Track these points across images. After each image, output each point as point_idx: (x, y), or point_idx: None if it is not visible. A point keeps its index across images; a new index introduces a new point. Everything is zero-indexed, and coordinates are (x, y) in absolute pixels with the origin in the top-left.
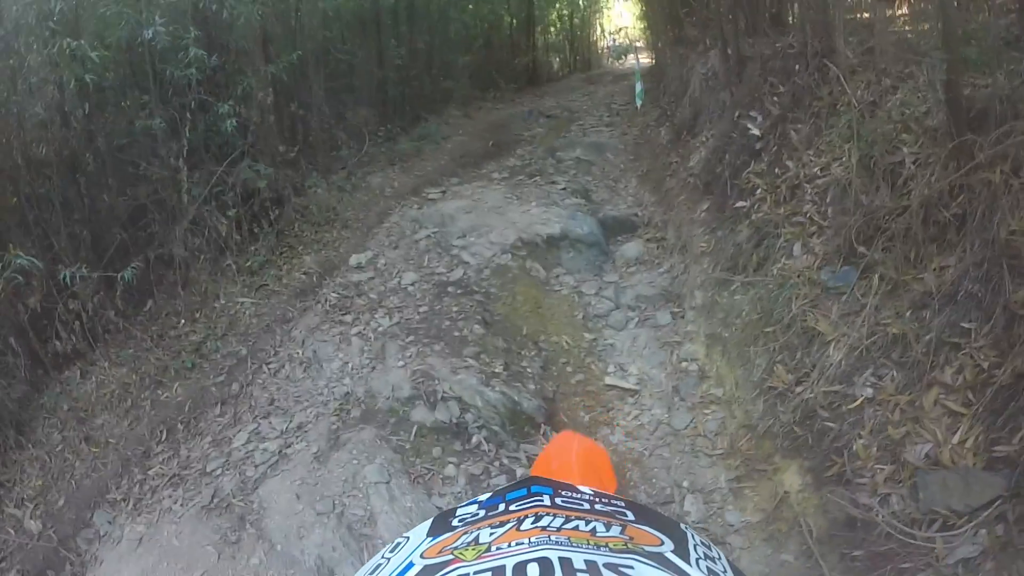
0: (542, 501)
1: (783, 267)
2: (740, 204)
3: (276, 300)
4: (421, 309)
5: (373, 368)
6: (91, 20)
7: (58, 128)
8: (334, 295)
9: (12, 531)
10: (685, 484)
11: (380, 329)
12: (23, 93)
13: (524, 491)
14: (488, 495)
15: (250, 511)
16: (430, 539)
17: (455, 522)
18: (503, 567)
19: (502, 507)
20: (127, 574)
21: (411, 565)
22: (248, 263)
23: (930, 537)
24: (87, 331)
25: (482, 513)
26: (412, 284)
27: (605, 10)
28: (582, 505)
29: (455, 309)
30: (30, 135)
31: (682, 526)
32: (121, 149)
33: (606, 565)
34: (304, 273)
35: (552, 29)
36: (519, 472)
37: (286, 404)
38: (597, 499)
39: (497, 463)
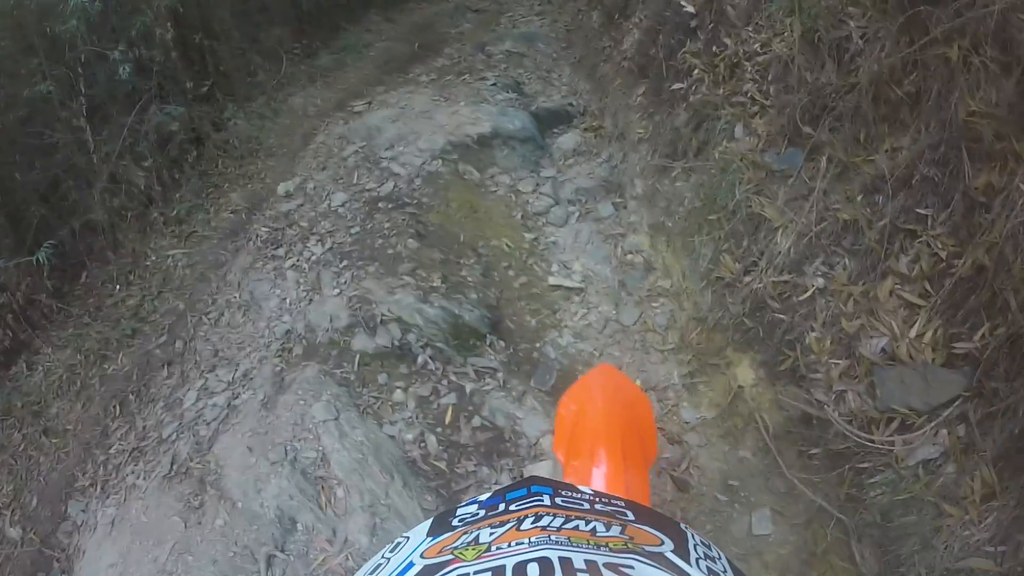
0: (542, 501)
1: (725, 150)
2: (677, 86)
3: (207, 246)
4: (353, 230)
5: (310, 300)
6: None
7: None
8: (264, 229)
9: None
10: (638, 382)
11: (313, 258)
12: None
13: (524, 491)
14: (488, 495)
15: (208, 472)
16: (430, 539)
17: (455, 522)
18: (503, 567)
19: (502, 507)
20: (106, 560)
21: (411, 565)
22: (175, 212)
23: (889, 439)
24: (23, 320)
25: (482, 513)
26: (343, 205)
27: None
28: (582, 505)
29: (387, 225)
30: None
31: (682, 526)
32: (23, 121)
33: (606, 565)
34: (232, 212)
35: None
36: (468, 388)
37: (230, 353)
38: (597, 499)
39: (445, 381)
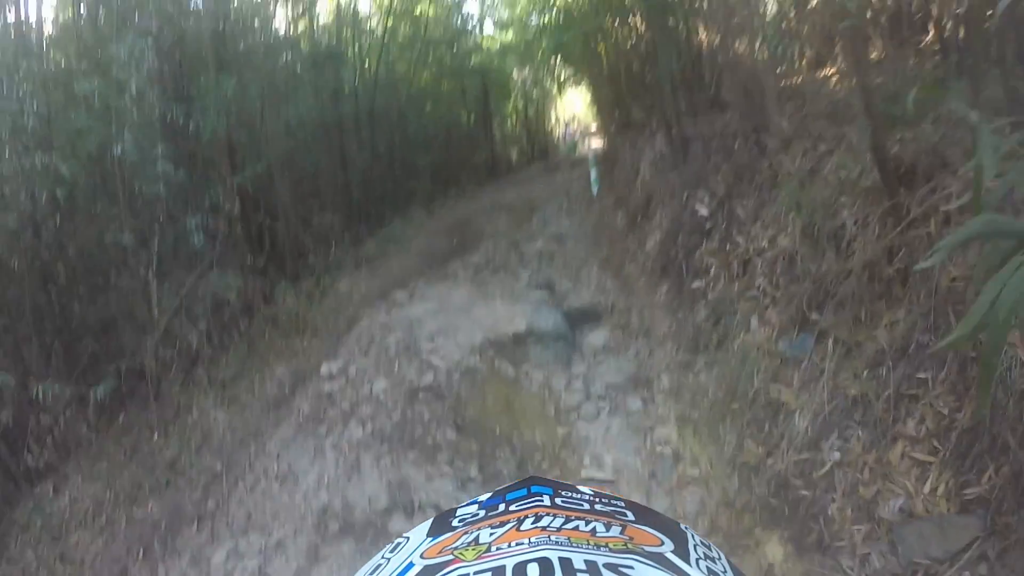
0: (542, 501)
1: (743, 342)
2: (696, 284)
3: (249, 413)
4: (394, 416)
5: (349, 479)
6: (63, 133)
7: (29, 238)
8: (307, 406)
9: None
10: None
11: (354, 439)
12: None
13: (524, 491)
14: (488, 495)
15: None
16: (430, 539)
17: (455, 522)
18: (503, 567)
19: (502, 507)
20: None
21: (411, 565)
22: (221, 375)
23: None
24: (59, 446)
25: (482, 513)
26: (383, 391)
27: (558, 98)
28: (582, 505)
29: (427, 415)
30: (1, 245)
31: (682, 526)
32: (91, 259)
33: (606, 565)
34: (276, 384)
35: (509, 122)
36: None
37: (264, 520)
38: (597, 499)
39: None
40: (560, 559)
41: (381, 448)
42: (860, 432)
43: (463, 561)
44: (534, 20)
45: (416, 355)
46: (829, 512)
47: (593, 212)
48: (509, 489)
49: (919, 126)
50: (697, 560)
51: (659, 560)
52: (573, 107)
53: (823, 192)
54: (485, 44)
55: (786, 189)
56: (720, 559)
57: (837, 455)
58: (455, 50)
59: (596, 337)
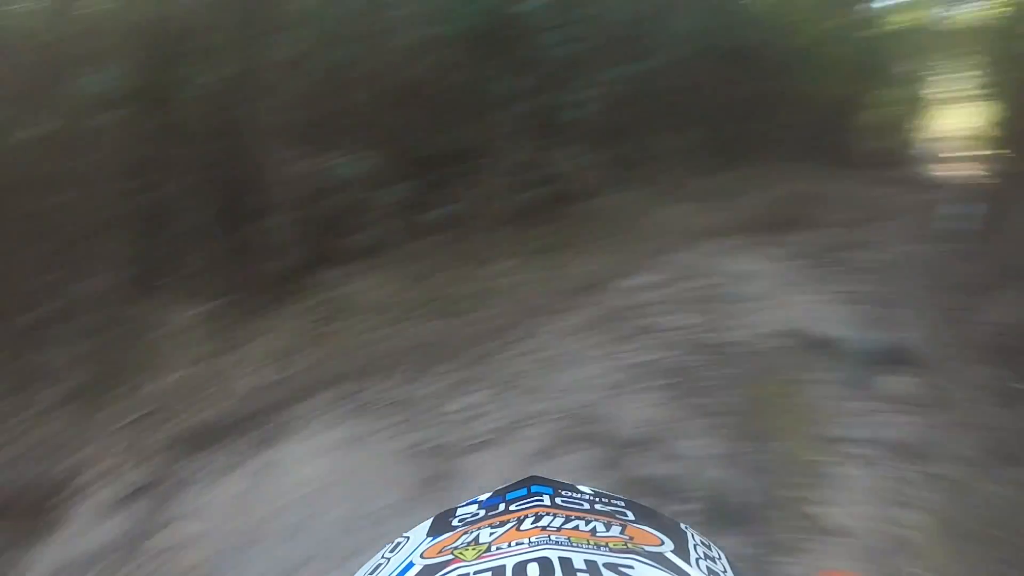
0: (542, 501)
1: None
2: None
3: None
4: None
5: None
6: None
7: None
8: None
9: None
10: None
11: None
12: None
13: (524, 491)
14: (488, 495)
15: None
16: (430, 539)
17: (455, 522)
18: (503, 567)
19: (502, 507)
20: None
21: (411, 565)
22: None
23: None
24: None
25: (482, 513)
26: None
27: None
28: (582, 505)
29: None
30: None
31: (682, 526)
32: None
33: (606, 565)
34: None
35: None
36: None
37: None
38: (597, 499)
39: None
40: (560, 559)
41: None
42: None
43: (463, 561)
44: None
45: None
46: None
47: None
48: (509, 488)
49: None
50: (697, 560)
51: (659, 560)
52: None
53: None
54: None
55: None
56: (720, 559)
57: None
58: None
59: None
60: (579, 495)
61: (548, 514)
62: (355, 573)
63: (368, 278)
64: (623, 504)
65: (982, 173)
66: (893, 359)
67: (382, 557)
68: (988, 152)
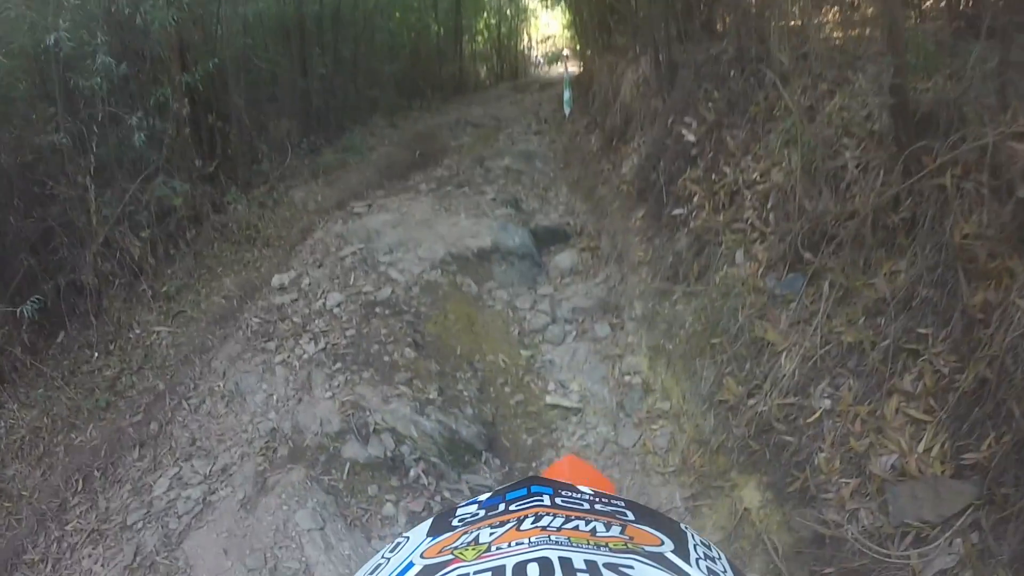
0: (542, 501)
1: (726, 275)
2: (677, 211)
3: (194, 328)
4: (348, 333)
5: (300, 400)
6: None
7: None
8: (256, 320)
9: None
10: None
11: (305, 356)
12: None
13: (524, 491)
14: (488, 495)
15: (176, 570)
16: (430, 539)
17: (455, 522)
18: (503, 567)
19: (502, 507)
20: None
21: (411, 565)
22: (164, 288)
23: (904, 553)
24: None
25: (482, 513)
26: (338, 305)
27: (532, 19)
28: (582, 505)
29: (384, 332)
30: None
31: (682, 526)
32: (28, 166)
33: (606, 565)
34: (224, 297)
35: (479, 38)
36: None
37: (208, 444)
38: (597, 499)
39: (438, 497)
40: (560, 559)
41: (334, 367)
42: (853, 381)
43: (463, 561)
44: None
45: (373, 268)
46: (815, 461)
47: (564, 133)
48: (509, 489)
49: (933, 79)
50: (697, 560)
51: (659, 560)
52: (548, 29)
53: (824, 131)
54: None
55: (785, 123)
56: (720, 559)
57: (827, 402)
58: None
59: (564, 258)
60: (579, 495)
61: (548, 514)
62: (355, 573)
63: None
64: (623, 504)
65: (574, 66)
66: (556, 240)
67: (382, 557)
68: (571, 48)
